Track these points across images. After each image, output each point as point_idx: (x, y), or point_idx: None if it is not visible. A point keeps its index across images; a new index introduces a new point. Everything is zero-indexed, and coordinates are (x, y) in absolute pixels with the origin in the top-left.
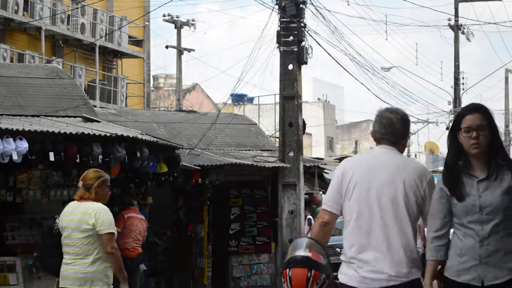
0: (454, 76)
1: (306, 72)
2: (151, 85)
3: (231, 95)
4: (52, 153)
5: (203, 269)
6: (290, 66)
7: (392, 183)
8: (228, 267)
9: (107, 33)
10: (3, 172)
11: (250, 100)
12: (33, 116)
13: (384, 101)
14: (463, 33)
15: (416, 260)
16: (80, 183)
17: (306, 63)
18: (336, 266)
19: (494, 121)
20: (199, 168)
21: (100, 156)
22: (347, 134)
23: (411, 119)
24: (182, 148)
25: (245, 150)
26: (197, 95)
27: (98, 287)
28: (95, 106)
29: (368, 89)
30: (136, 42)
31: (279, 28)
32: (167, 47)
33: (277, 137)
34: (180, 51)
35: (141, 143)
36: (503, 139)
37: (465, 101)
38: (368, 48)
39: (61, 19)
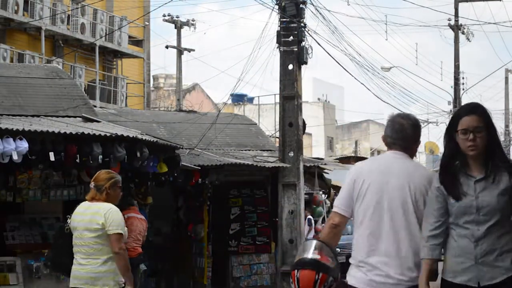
0: (454, 76)
1: (306, 72)
2: (151, 85)
3: (231, 95)
4: (52, 153)
5: (203, 269)
6: (290, 66)
7: (402, 188)
8: (228, 267)
9: (107, 33)
10: (3, 172)
11: (250, 100)
12: (33, 116)
13: (384, 101)
14: (463, 33)
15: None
16: (92, 184)
17: (306, 63)
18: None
19: (492, 121)
20: (199, 168)
21: (100, 156)
22: (347, 134)
23: None
24: (182, 148)
25: (245, 150)
26: (197, 95)
27: (109, 286)
28: (95, 106)
29: (368, 89)
30: (136, 42)
31: (279, 28)
32: (167, 47)
33: (277, 137)
34: (180, 51)
35: (141, 143)
36: (502, 139)
37: (465, 101)
38: (368, 48)
39: (61, 19)
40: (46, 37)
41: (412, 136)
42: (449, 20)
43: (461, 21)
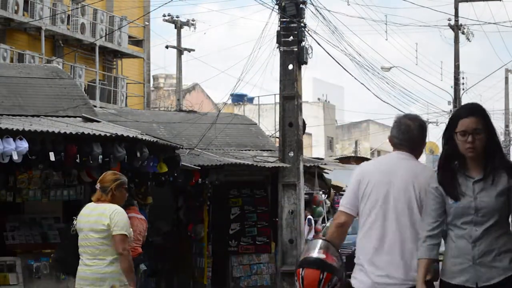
0: (454, 76)
1: (306, 72)
2: (151, 85)
3: (231, 95)
4: (52, 153)
5: (203, 269)
6: (290, 66)
7: (407, 189)
8: (228, 267)
9: (107, 33)
10: (3, 172)
11: (250, 100)
12: (33, 116)
13: (384, 101)
14: (463, 33)
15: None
16: (98, 185)
17: (306, 63)
18: None
19: (491, 122)
20: (199, 168)
21: (100, 156)
22: (347, 134)
23: None
24: (182, 148)
25: (245, 150)
26: (197, 95)
27: (115, 287)
28: (95, 106)
29: (368, 89)
30: (136, 42)
31: (279, 28)
32: (167, 47)
33: (277, 137)
34: (180, 51)
35: (141, 143)
36: (502, 139)
37: (465, 101)
38: (368, 48)
39: (61, 19)
40: (46, 37)
41: (418, 138)
42: (449, 20)
43: (461, 21)
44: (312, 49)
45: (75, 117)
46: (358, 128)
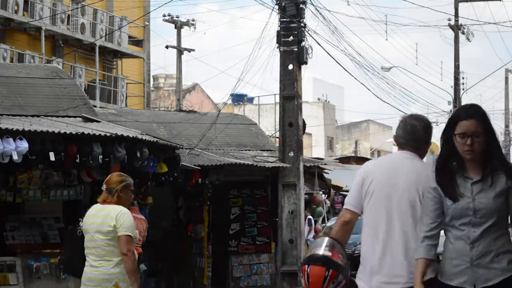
0: (454, 76)
1: (306, 72)
2: (151, 85)
3: (231, 95)
4: (52, 153)
5: (203, 269)
6: (290, 66)
7: (411, 188)
8: (228, 267)
9: (107, 33)
10: (3, 172)
11: (250, 100)
12: (33, 116)
13: (384, 101)
14: (463, 33)
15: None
16: (104, 186)
17: (306, 63)
18: None
19: (491, 124)
20: (199, 168)
21: (100, 156)
22: (347, 134)
23: None
24: (182, 148)
25: (245, 150)
26: (197, 95)
27: None
28: (95, 106)
29: (368, 89)
30: (136, 42)
31: (279, 28)
32: (167, 47)
33: (277, 137)
34: (180, 51)
35: (141, 143)
36: (502, 139)
37: (465, 101)
38: (368, 48)
39: (61, 19)
40: (46, 37)
41: (423, 138)
42: (449, 20)
43: (461, 21)
44: (312, 49)
45: (75, 117)
46: (358, 128)
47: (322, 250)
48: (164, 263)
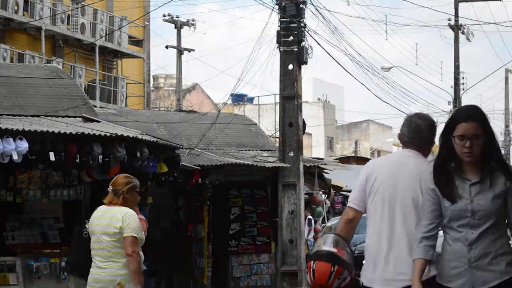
0: (454, 76)
1: (306, 72)
2: (151, 85)
3: (231, 95)
4: (52, 153)
5: (203, 269)
6: (290, 66)
7: (414, 186)
8: (228, 267)
9: (107, 33)
10: (3, 172)
11: (250, 100)
12: (33, 116)
13: (384, 101)
14: (463, 33)
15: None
16: (110, 188)
17: (306, 63)
18: None
19: (490, 126)
20: (199, 168)
21: (100, 156)
22: (347, 134)
23: None
24: (182, 148)
25: (245, 150)
26: (197, 95)
27: None
28: (95, 106)
29: (368, 89)
30: (136, 42)
31: (279, 28)
32: (167, 47)
33: (277, 137)
34: (180, 51)
35: (141, 143)
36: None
37: (465, 101)
38: (368, 48)
39: (61, 19)
40: (46, 37)
41: (427, 137)
42: (449, 20)
43: (461, 21)
44: (312, 49)
45: (75, 117)
46: (358, 128)
47: (327, 246)
48: (164, 263)
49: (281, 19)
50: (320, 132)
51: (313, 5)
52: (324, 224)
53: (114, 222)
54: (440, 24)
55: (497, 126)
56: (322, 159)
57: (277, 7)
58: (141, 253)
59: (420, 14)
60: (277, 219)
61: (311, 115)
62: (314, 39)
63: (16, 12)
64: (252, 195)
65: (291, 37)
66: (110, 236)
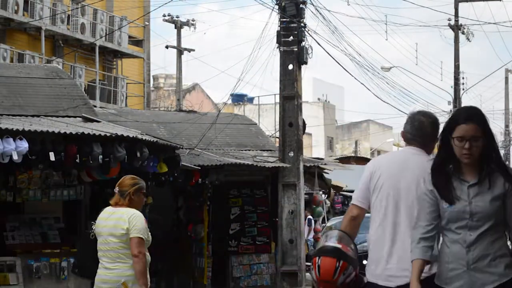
0: (454, 76)
1: (306, 72)
2: (151, 85)
3: (231, 95)
4: (52, 153)
5: (203, 269)
6: (290, 66)
7: (418, 183)
8: (228, 267)
9: (107, 33)
10: (3, 172)
11: (250, 100)
12: (33, 116)
13: (384, 101)
14: (463, 33)
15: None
16: (116, 189)
17: (306, 63)
18: None
19: (489, 128)
20: (199, 168)
21: (100, 156)
22: (347, 134)
23: None
24: (182, 148)
25: (245, 150)
26: (197, 95)
27: None
28: (95, 106)
29: (368, 89)
30: (136, 42)
31: (279, 28)
32: (167, 47)
33: (277, 137)
34: (180, 51)
35: (141, 143)
36: (502, 139)
37: (465, 101)
38: (368, 48)
39: (61, 19)
40: (46, 37)
41: (430, 134)
42: (449, 20)
43: (461, 21)
44: (312, 49)
45: (75, 117)
46: (358, 128)
47: (332, 242)
48: (164, 263)
49: (281, 19)
50: (320, 132)
51: (313, 5)
52: (324, 224)
53: (120, 223)
54: (440, 24)
55: (497, 126)
56: (322, 159)
57: (277, 7)
58: (147, 254)
59: (420, 14)
60: (277, 219)
61: (311, 115)
62: (314, 39)
63: (16, 12)
64: (252, 195)
65: (291, 37)
66: (117, 238)
